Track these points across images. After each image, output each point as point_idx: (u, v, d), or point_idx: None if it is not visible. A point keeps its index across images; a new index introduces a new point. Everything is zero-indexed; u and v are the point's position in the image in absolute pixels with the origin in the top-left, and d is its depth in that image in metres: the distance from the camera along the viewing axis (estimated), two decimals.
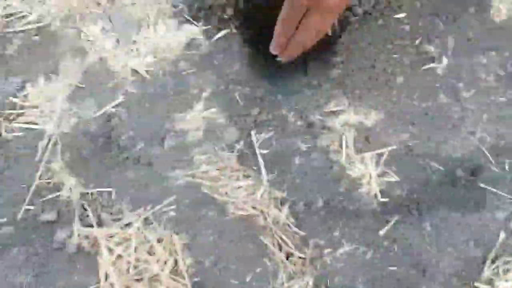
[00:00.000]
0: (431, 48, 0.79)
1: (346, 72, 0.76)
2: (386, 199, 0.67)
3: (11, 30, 0.78)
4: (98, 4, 0.80)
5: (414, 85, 0.77)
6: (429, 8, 0.81)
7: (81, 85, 0.76)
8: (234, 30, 0.78)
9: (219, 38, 0.78)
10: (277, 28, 0.68)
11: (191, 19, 0.79)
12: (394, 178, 0.69)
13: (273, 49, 0.71)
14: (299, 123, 0.74)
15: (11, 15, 0.79)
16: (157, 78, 0.76)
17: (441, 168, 0.70)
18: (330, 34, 0.76)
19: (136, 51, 0.77)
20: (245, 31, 0.78)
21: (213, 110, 0.74)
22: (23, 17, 0.79)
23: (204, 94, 0.75)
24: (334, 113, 0.74)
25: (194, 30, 0.78)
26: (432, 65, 0.78)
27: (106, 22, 0.79)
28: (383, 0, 0.79)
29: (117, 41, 0.78)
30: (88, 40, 0.78)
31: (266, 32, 0.73)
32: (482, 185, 0.68)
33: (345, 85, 0.75)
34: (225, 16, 0.78)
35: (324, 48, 0.76)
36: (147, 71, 0.76)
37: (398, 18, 0.78)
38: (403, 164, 0.70)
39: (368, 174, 0.69)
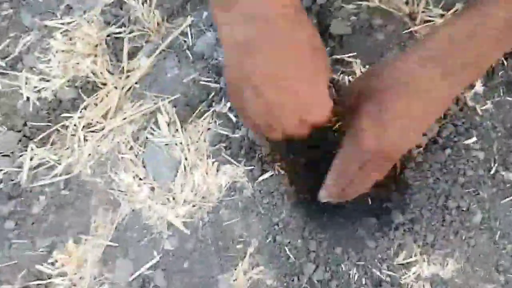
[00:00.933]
0: (509, 176, 0.67)
1: (414, 216, 0.65)
2: None
3: (38, 184, 0.73)
4: (131, 148, 0.73)
5: (495, 224, 0.65)
6: (503, 127, 0.70)
7: (113, 244, 0.68)
8: (280, 171, 0.69)
9: (263, 180, 0.69)
10: (331, 178, 0.59)
11: (232, 159, 0.70)
12: None
13: (323, 197, 0.61)
14: (364, 280, 0.62)
15: (38, 166, 0.74)
16: (197, 230, 0.68)
17: None
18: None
19: (172, 200, 0.70)
20: (292, 172, 0.69)
21: (261, 268, 0.64)
22: (51, 167, 0.73)
23: (249, 250, 0.65)
24: (404, 266, 0.63)
25: (236, 172, 0.70)
26: None
27: (140, 168, 0.72)
28: (449, 124, 0.69)
29: (152, 189, 0.71)
30: (120, 191, 0.71)
31: (314, 172, 0.64)
32: None
33: (414, 231, 0.64)
34: (269, 156, 0.69)
35: (386, 189, 0.66)
36: (185, 223, 0.68)
37: (468, 144, 0.68)
38: None
39: None
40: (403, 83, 0.48)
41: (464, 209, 0.65)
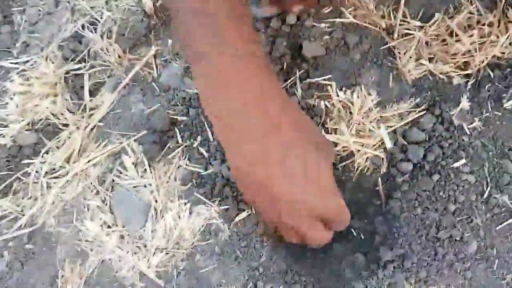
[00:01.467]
0: (504, 199, 0.62)
1: (403, 251, 0.59)
2: None
3: (1, 238, 0.67)
4: (97, 192, 0.68)
5: (492, 252, 0.60)
6: (494, 146, 0.64)
7: None
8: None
9: (240, 220, 0.64)
10: None
11: (205, 199, 0.65)
12: None
13: None
14: None
15: (0, 218, 0.69)
16: (171, 280, 0.63)
17: None
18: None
19: (144, 248, 0.65)
20: None
21: None
22: (14, 219, 0.68)
23: None
24: None
25: (210, 213, 0.65)
26: (510, 220, 0.62)
27: (107, 214, 0.67)
28: (435, 147, 0.64)
29: (121, 237, 0.66)
30: (88, 241, 0.66)
31: None
32: None
33: (404, 268, 0.59)
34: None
35: (370, 221, 0.61)
36: (158, 273, 0.63)
37: (457, 167, 0.63)
38: None
39: None
40: None
41: (457, 239, 0.60)
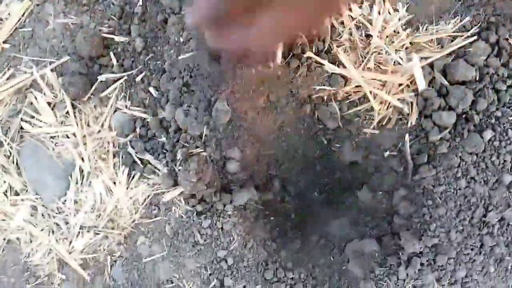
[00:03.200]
0: None
1: (438, 242, 0.42)
2: None
3: None
4: None
5: None
6: None
7: None
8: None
9: (201, 188, 0.44)
10: None
11: (152, 157, 0.45)
12: None
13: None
14: None
15: None
16: (102, 272, 0.45)
17: None
18: None
19: (65, 225, 0.46)
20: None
21: None
22: None
23: None
24: None
25: (159, 178, 0.45)
26: None
27: (14, 176, 0.47)
28: (489, 91, 0.44)
29: (34, 208, 0.46)
30: None
31: None
32: None
33: (437, 265, 0.42)
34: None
35: (389, 194, 0.43)
36: (83, 262, 0.45)
37: None
38: None
39: None
40: None
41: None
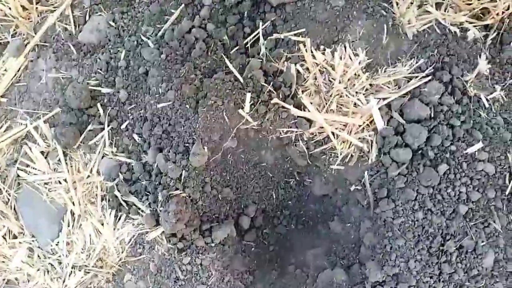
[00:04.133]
0: None
1: (398, 271, 0.45)
2: None
3: None
4: None
5: None
6: None
7: None
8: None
9: (181, 227, 0.48)
10: None
11: (137, 200, 0.49)
12: None
13: None
14: None
15: None
16: None
17: None
18: None
19: (58, 265, 0.49)
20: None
21: None
22: None
23: None
24: None
25: (143, 218, 0.49)
26: None
27: (12, 220, 0.51)
28: (443, 127, 0.47)
29: (30, 251, 0.50)
30: None
31: None
32: None
33: None
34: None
35: (355, 226, 0.46)
36: None
37: (471, 154, 0.47)
38: None
39: None
40: None
41: (469, 250, 0.46)
